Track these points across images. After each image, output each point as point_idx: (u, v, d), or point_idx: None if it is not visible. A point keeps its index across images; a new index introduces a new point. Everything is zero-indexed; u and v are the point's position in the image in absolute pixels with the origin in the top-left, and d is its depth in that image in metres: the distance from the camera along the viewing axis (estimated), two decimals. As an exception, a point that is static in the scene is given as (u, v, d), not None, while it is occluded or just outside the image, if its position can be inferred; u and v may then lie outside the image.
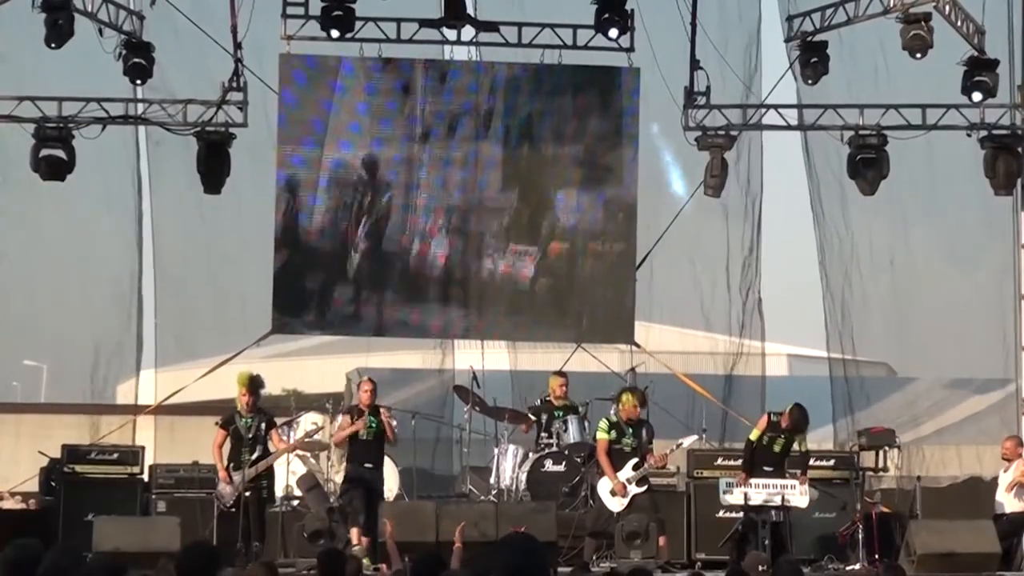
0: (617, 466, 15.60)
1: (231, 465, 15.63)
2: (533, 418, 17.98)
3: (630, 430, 15.70)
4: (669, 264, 20.40)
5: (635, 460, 15.58)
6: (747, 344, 20.52)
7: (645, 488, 15.60)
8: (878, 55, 19.45)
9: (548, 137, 19.70)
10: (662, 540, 15.47)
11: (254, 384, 15.81)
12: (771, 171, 20.50)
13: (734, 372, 20.40)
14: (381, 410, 16.13)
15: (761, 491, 15.51)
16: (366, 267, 19.51)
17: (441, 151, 19.58)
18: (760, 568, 11.60)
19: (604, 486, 15.66)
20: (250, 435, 15.65)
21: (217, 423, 15.92)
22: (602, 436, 15.75)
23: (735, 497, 15.59)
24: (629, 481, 15.54)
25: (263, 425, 15.76)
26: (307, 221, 19.39)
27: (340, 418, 16.69)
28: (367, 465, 15.97)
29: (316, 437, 17.20)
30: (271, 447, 15.86)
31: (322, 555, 10.40)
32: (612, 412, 16.18)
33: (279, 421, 16.81)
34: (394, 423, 16.27)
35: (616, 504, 15.58)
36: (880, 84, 19.57)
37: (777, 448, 15.98)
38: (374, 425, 15.95)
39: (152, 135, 19.57)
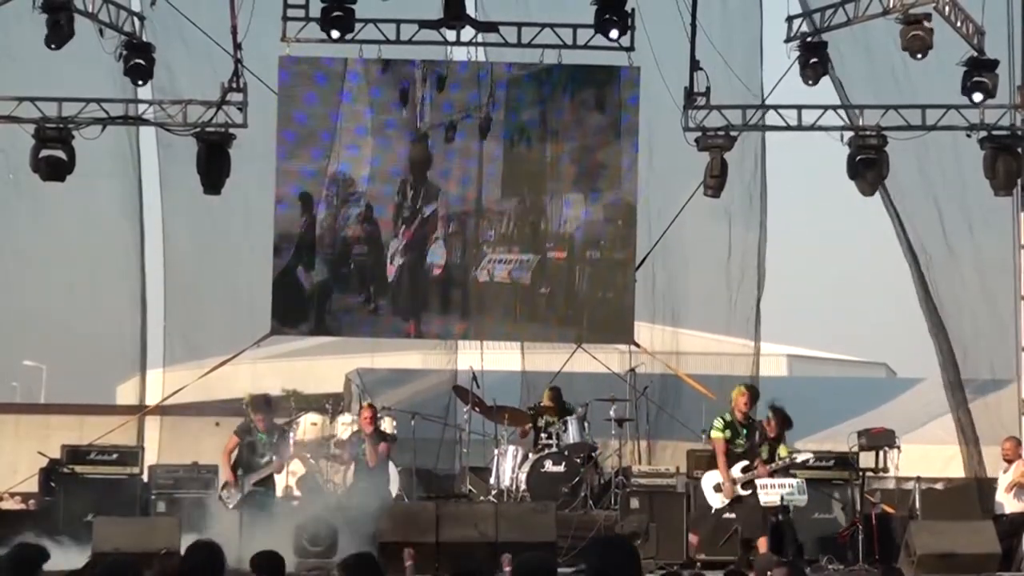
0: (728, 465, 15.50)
1: (240, 471, 15.74)
2: (530, 422, 18.01)
3: (744, 431, 15.56)
4: (673, 265, 20.39)
5: (744, 463, 15.50)
6: (751, 345, 20.48)
7: (751, 491, 15.42)
8: (878, 56, 19.44)
9: (548, 139, 19.70)
10: (762, 541, 15.15)
11: (256, 405, 15.92)
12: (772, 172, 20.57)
13: (737, 373, 20.32)
14: None
15: (760, 491, 15.49)
16: (366, 273, 19.51)
17: (441, 156, 19.58)
18: (769, 573, 11.58)
19: (707, 481, 15.63)
20: (267, 449, 15.81)
21: (216, 423, 16.01)
22: (717, 435, 15.56)
23: (719, 500, 15.54)
24: (735, 482, 15.44)
25: (277, 438, 15.96)
26: (306, 228, 19.39)
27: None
28: None
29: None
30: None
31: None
32: (727, 412, 15.77)
33: (279, 421, 16.88)
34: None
35: (717, 500, 15.57)
36: (879, 84, 19.55)
37: (763, 456, 16.00)
38: None
39: (162, 138, 19.60)
